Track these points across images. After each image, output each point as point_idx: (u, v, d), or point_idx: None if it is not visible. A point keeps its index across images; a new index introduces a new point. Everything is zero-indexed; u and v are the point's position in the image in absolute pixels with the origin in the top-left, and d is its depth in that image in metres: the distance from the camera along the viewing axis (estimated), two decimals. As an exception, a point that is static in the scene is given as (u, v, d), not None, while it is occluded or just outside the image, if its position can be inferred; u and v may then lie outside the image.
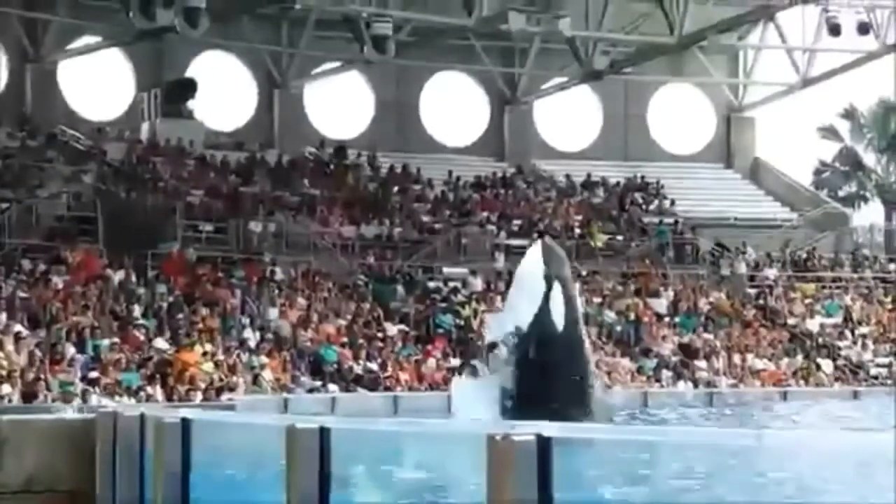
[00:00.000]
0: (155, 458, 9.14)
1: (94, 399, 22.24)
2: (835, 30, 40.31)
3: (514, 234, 37.44)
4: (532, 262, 14.05)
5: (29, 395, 22.24)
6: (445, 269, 35.36)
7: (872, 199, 48.09)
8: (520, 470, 6.05)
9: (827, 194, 47.13)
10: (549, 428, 6.27)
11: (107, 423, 10.34)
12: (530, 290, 13.62)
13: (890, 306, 38.80)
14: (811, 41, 43.33)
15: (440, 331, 32.09)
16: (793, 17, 43.03)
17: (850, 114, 48.28)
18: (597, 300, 35.46)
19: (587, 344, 14.38)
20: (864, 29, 40.45)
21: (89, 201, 33.04)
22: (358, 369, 28.65)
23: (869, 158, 48.29)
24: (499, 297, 34.81)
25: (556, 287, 13.46)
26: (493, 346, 13.95)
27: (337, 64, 42.07)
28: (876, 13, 41.30)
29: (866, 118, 48.25)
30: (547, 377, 13.31)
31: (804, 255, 40.48)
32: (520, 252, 37.16)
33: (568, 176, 43.12)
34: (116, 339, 26.12)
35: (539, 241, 14.50)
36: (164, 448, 8.94)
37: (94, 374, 24.14)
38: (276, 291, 31.10)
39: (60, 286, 28.05)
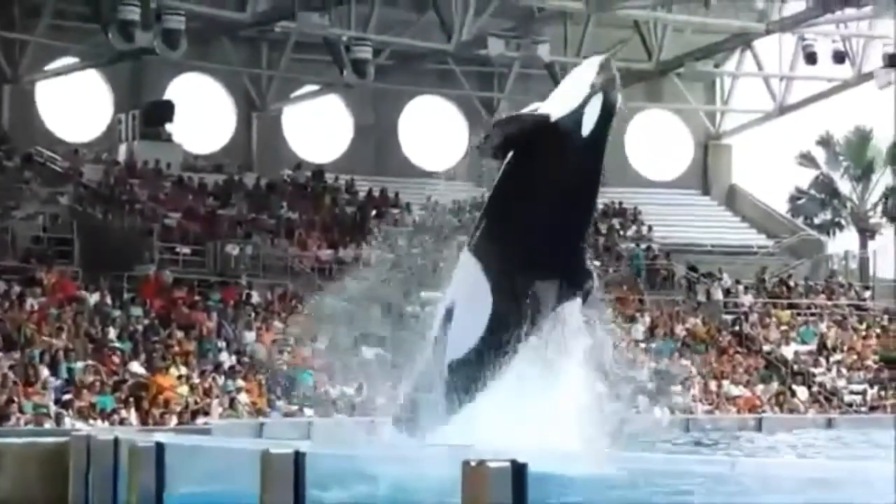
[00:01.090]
0: (129, 482, 9.09)
1: (67, 422, 22.14)
2: (811, 58, 40.59)
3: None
4: (585, 68, 12.47)
5: (1, 418, 22.12)
6: (422, 294, 35.30)
7: (848, 226, 48.29)
8: (494, 496, 6.05)
9: (803, 221, 47.32)
10: (525, 454, 6.27)
11: (80, 447, 10.29)
12: (569, 91, 12.22)
13: (864, 334, 38.96)
14: (788, 69, 43.60)
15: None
16: (769, 45, 43.34)
17: (826, 141, 48.52)
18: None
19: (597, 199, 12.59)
20: (839, 58, 40.74)
21: (66, 223, 32.94)
22: (334, 393, 28.57)
23: (844, 186, 48.52)
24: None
25: (597, 100, 12.05)
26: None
27: (316, 87, 42.10)
28: (851, 42, 41.62)
29: (842, 146, 48.50)
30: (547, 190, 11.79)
31: (779, 282, 40.63)
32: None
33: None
34: (91, 362, 26.01)
35: (603, 56, 12.68)
36: (137, 472, 8.89)
37: (67, 397, 24.03)
38: (253, 315, 31.04)
39: (35, 308, 27.93)
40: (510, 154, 12.12)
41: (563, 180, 11.94)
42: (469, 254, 12.13)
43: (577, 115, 12.05)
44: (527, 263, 11.89)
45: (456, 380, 12.15)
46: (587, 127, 11.98)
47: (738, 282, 39.87)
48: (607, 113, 12.11)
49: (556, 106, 12.18)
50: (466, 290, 11.98)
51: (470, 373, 12.08)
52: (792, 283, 40.70)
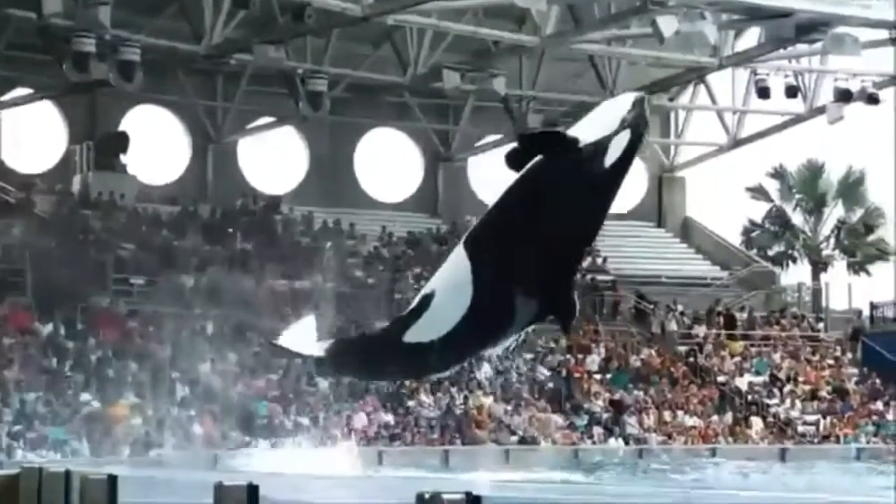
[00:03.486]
0: (80, 514, 9.04)
1: (19, 454, 21.97)
2: (763, 92, 40.96)
3: (446, 291, 37.48)
4: (620, 100, 12.69)
5: (-47, 450, 21.92)
6: (378, 325, 35.33)
7: (801, 258, 48.70)
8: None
9: (756, 254, 47.66)
10: (480, 486, 6.29)
11: (31, 479, 10.20)
12: (600, 120, 12.10)
13: (817, 365, 39.27)
14: (741, 103, 44.00)
15: (371, 386, 32.05)
16: (723, 79, 43.72)
17: (779, 174, 48.95)
18: (529, 356, 35.59)
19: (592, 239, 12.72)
20: (791, 92, 41.14)
21: (18, 254, 32.72)
22: (289, 424, 28.52)
23: (797, 219, 48.94)
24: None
25: (625, 135, 11.91)
26: None
27: (271, 119, 42.09)
28: (803, 77, 42.07)
29: (795, 179, 48.95)
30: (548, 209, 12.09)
31: (734, 313, 40.87)
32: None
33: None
34: (43, 393, 25.83)
35: (640, 93, 12.94)
36: (89, 505, 8.84)
37: (19, 429, 23.85)
38: (207, 346, 30.93)
39: (-13, 339, 27.73)
40: (532, 163, 12.16)
41: (574, 204, 12.02)
42: (462, 247, 12.16)
43: (603, 144, 12.13)
44: (514, 274, 11.95)
45: (402, 357, 12.19)
46: (610, 159, 12.06)
47: (682, 313, 40.01)
48: (632, 149, 12.18)
49: (584, 131, 12.29)
50: (449, 281, 12.00)
51: (419, 357, 12.10)
52: (745, 315, 40.97)
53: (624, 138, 11.97)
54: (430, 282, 12.45)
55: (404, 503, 6.46)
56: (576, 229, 12.03)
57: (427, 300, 12.01)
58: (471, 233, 12.30)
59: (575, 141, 11.88)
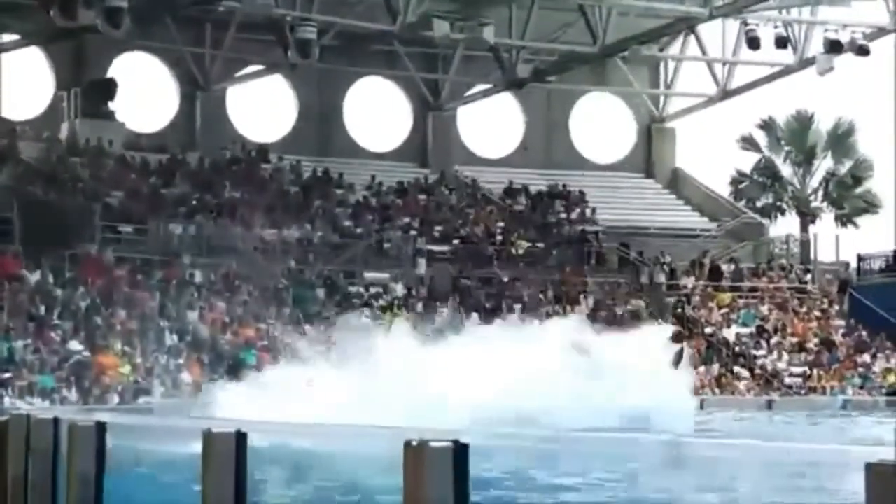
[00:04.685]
0: (69, 462, 9.04)
1: (7, 401, 22.00)
2: (753, 43, 40.83)
3: (435, 240, 37.53)
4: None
5: (-59, 397, 21.93)
6: (367, 274, 35.40)
7: (789, 210, 48.73)
8: (435, 476, 6.08)
9: (745, 205, 47.68)
10: (466, 435, 6.30)
11: (20, 427, 10.21)
12: None
13: (805, 316, 39.39)
14: (731, 54, 43.87)
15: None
16: (713, 29, 43.56)
17: (768, 126, 48.88)
18: (517, 307, 35.63)
19: None
20: (781, 43, 41.02)
21: (6, 201, 32.61)
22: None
23: (786, 170, 48.93)
24: (420, 303, 34.89)
25: None
26: None
27: (260, 67, 41.89)
28: (793, 28, 41.94)
29: (784, 131, 48.88)
30: None
31: (719, 265, 40.94)
32: (442, 257, 37.43)
33: (474, 180, 43.25)
34: (32, 341, 25.82)
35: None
36: (77, 453, 8.84)
37: (7, 376, 23.86)
38: (196, 294, 30.92)
39: (-25, 287, 27.68)
40: None
41: None
42: None
43: None
44: None
45: None
46: None
47: (665, 264, 40.02)
48: None
49: None
50: None
51: None
52: (733, 266, 41.04)
53: None
54: None
55: (391, 451, 6.47)
56: None
57: None
58: None
59: None
